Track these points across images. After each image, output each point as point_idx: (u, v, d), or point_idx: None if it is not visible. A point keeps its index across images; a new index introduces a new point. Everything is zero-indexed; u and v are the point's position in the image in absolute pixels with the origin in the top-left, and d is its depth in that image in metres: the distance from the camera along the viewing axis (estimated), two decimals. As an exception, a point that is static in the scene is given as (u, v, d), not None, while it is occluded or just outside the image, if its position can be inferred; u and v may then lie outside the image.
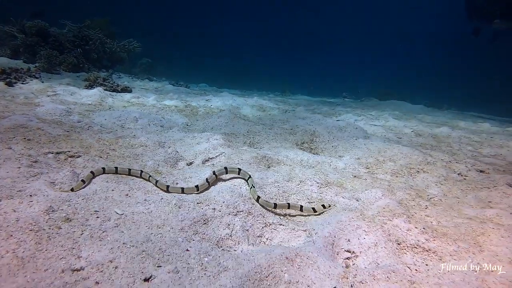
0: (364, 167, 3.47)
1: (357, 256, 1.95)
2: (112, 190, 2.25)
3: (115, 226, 1.81)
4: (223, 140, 3.60)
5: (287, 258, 1.75)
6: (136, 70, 15.22)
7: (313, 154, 3.77)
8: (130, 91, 7.11)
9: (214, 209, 2.21)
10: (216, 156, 3.32)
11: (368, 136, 4.54)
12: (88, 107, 4.70)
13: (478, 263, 1.80)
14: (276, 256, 1.74)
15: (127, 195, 2.26)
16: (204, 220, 2.09)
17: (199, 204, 2.24)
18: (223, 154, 3.30)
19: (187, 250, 1.72)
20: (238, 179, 2.69)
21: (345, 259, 1.95)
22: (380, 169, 3.45)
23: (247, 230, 2.12)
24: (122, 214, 1.95)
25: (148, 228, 1.89)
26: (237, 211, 2.23)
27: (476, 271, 1.73)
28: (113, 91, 6.57)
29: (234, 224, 2.11)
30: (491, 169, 3.76)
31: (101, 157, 2.85)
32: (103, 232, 1.73)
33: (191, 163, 3.23)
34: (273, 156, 3.33)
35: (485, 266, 1.77)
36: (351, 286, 1.60)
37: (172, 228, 1.93)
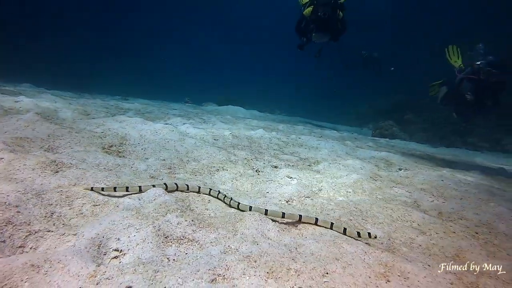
0: (166, 168, 3.56)
1: (124, 254, 1.96)
2: None
3: None
4: (4, 145, 3.17)
5: (33, 265, 1.63)
6: None
7: (119, 157, 3.68)
8: None
9: (-38, 223, 1.92)
10: (-9, 163, 2.90)
11: (183, 138, 4.68)
12: None
13: (228, 246, 2.04)
14: (18, 265, 1.61)
15: None
16: None
17: None
18: (2, 159, 2.91)
19: None
20: None
21: (112, 258, 1.95)
22: (182, 169, 3.60)
23: (4, 241, 1.91)
24: None
25: None
26: (-5, 223, 1.99)
27: (224, 253, 1.96)
28: None
29: (-12, 238, 1.88)
30: (283, 165, 4.35)
31: None
32: None
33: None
34: (66, 161, 3.11)
35: (233, 247, 2.02)
36: (97, 283, 1.60)
37: None
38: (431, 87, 9.76)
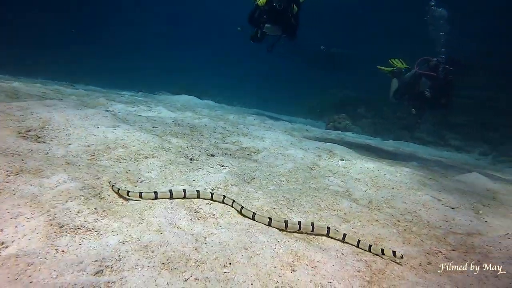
0: (89, 154, 3.32)
1: (7, 246, 1.74)
2: None
3: None
4: None
5: None
6: None
7: (36, 142, 3.38)
8: None
9: None
10: None
11: (118, 125, 4.41)
12: None
13: (130, 235, 1.88)
14: None
15: None
16: None
17: None
18: None
19: None
20: None
21: (-8, 251, 1.73)
22: (106, 156, 3.37)
23: None
24: None
25: None
26: None
27: (122, 243, 1.80)
28: None
29: None
30: (220, 153, 4.23)
31: None
32: None
33: None
34: (-35, 144, 2.79)
35: (134, 237, 1.87)
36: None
37: None
38: (380, 69, 10.02)
